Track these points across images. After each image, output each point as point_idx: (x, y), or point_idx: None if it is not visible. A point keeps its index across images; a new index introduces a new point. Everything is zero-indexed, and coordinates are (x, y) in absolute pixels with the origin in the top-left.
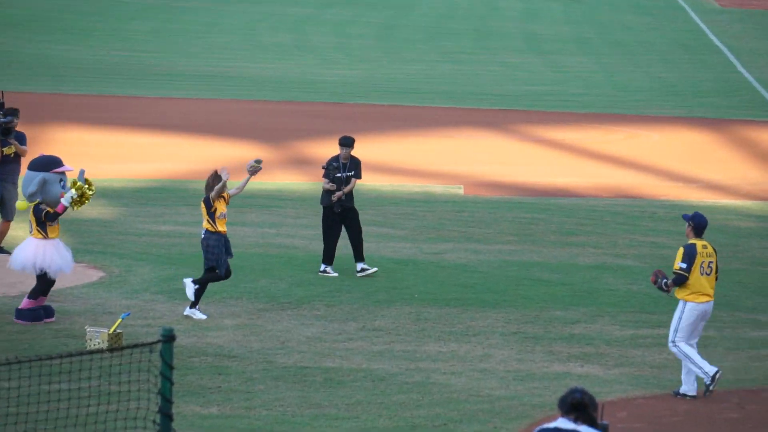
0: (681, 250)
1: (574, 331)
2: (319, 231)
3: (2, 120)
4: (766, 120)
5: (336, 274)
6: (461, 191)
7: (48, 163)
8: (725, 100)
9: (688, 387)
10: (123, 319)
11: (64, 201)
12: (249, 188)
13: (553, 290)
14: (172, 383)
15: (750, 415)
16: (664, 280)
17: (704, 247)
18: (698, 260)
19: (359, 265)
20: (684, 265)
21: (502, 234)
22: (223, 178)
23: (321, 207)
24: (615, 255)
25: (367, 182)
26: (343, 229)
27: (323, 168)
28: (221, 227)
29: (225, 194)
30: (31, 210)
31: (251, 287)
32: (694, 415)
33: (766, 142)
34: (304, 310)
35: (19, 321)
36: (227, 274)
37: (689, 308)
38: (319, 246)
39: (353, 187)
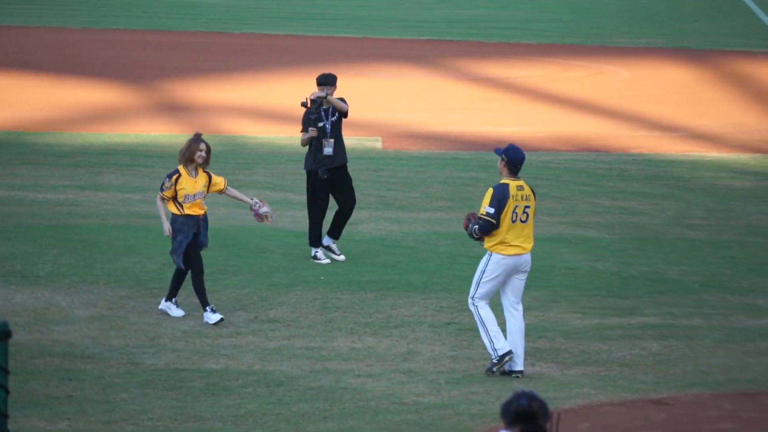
0: (489, 192)
1: (524, 320)
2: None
3: None
4: (765, 50)
5: (333, 259)
6: (379, 145)
7: None
8: (714, 26)
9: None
10: None
11: None
12: (105, 142)
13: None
14: (7, 392)
15: (746, 426)
16: (475, 226)
17: (519, 188)
18: (510, 204)
19: (327, 240)
20: (491, 210)
21: (432, 199)
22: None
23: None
24: (574, 224)
25: (258, 134)
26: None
27: (307, 120)
28: (191, 209)
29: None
30: None
31: (110, 269)
32: (675, 425)
33: (765, 78)
34: (179, 298)
35: None
36: (190, 267)
37: (494, 261)
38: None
39: (345, 110)
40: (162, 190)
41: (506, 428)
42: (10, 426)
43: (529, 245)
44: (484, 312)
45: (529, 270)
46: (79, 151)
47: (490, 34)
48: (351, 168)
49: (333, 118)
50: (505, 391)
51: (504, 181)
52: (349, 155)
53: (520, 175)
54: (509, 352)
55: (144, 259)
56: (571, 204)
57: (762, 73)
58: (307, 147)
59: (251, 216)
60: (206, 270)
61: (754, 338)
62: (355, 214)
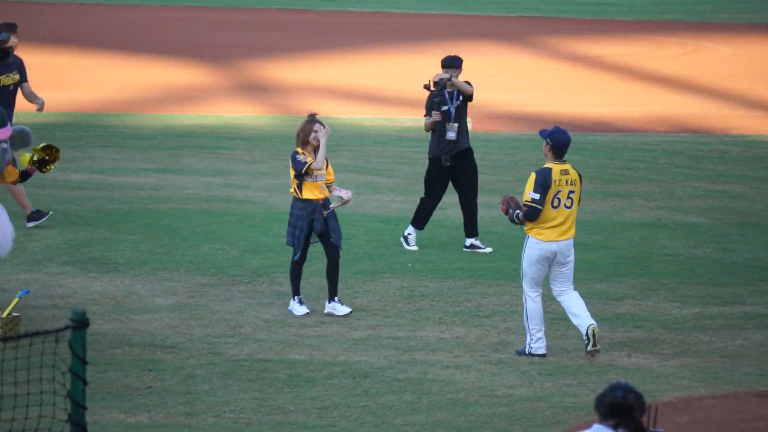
0: (533, 177)
1: (620, 309)
2: (281, 180)
3: None
4: None
5: (415, 248)
6: (469, 126)
7: None
8: None
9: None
10: (20, 298)
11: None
12: (185, 123)
13: (591, 256)
14: (85, 383)
15: None
16: (517, 212)
17: (564, 172)
18: (553, 189)
19: (469, 241)
20: (536, 196)
21: (522, 182)
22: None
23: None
24: (673, 209)
25: (343, 115)
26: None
27: (430, 104)
28: (311, 192)
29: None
30: None
31: (191, 255)
32: None
33: None
34: (261, 286)
35: None
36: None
37: (530, 246)
38: (281, 200)
39: (471, 93)
40: (305, 164)
41: (600, 422)
42: (88, 418)
43: (571, 232)
44: (530, 306)
45: (572, 258)
46: (159, 134)
47: (584, 11)
48: None
49: (458, 102)
50: (601, 383)
51: (548, 165)
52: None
53: (566, 158)
54: (543, 356)
55: (226, 245)
56: (670, 188)
57: None
58: (431, 132)
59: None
60: (289, 257)
61: None
62: (445, 198)
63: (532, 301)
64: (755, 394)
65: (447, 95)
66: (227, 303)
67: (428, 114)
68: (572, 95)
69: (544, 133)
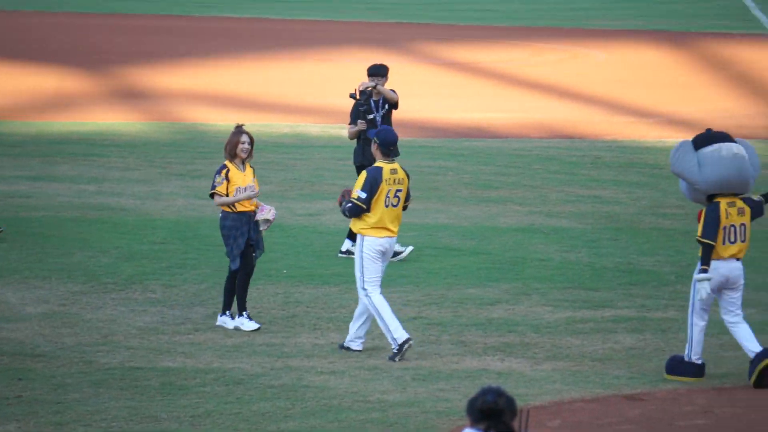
0: (363, 175)
1: (493, 314)
2: (155, 187)
3: None
4: (745, 32)
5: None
6: (345, 132)
7: None
8: (691, 8)
9: (352, 339)
10: None
11: None
12: (59, 130)
13: (465, 261)
14: None
15: (721, 421)
16: (348, 204)
17: (393, 171)
18: (383, 188)
19: (346, 244)
20: (363, 195)
21: None
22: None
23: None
24: (547, 214)
25: (219, 121)
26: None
27: (356, 113)
28: (243, 205)
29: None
30: None
31: (63, 263)
32: (649, 421)
33: (744, 61)
34: (134, 293)
35: None
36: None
37: (367, 245)
38: (154, 207)
39: (396, 101)
40: (214, 187)
41: (472, 426)
42: None
43: (396, 229)
44: (376, 299)
45: (392, 253)
46: (31, 141)
47: (461, 17)
48: (317, 156)
49: (383, 110)
50: (473, 387)
51: (378, 164)
52: (313, 143)
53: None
54: (409, 339)
55: (98, 253)
56: (544, 193)
57: (741, 56)
58: (356, 140)
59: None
60: (162, 264)
61: (729, 331)
62: (319, 205)
63: (376, 297)
64: (625, 397)
65: (373, 103)
66: (99, 311)
67: (353, 122)
68: (449, 101)
69: (371, 133)
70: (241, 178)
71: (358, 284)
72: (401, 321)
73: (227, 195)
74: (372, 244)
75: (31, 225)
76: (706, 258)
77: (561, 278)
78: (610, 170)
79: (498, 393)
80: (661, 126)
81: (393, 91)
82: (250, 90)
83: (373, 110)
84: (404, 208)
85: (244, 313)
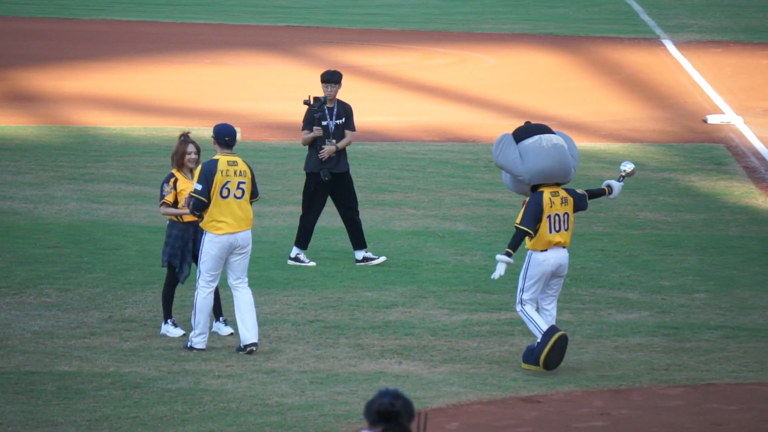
0: (198, 169)
1: (390, 317)
2: (47, 191)
3: None
4: (634, 36)
5: (313, 264)
6: (238, 136)
7: None
8: (580, 12)
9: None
10: None
11: None
12: None
13: (361, 265)
14: None
15: (618, 423)
16: (191, 200)
17: (232, 163)
18: (218, 179)
19: (360, 254)
20: (199, 187)
21: (292, 192)
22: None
23: (300, 172)
24: (441, 217)
25: (110, 125)
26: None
27: (310, 119)
28: (188, 216)
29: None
30: None
31: None
32: (546, 423)
33: (633, 65)
34: (28, 297)
35: None
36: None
37: (207, 241)
38: (47, 210)
39: (348, 144)
40: (162, 197)
41: (369, 429)
42: None
43: (244, 223)
44: (202, 301)
45: (249, 248)
46: None
47: (352, 20)
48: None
49: (339, 121)
50: (372, 390)
51: (216, 157)
52: (207, 146)
53: None
54: (252, 343)
55: None
56: (438, 196)
57: (629, 60)
58: (308, 147)
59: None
60: (57, 268)
61: (624, 333)
62: None
63: (206, 296)
64: (522, 399)
65: (327, 111)
66: None
67: (306, 128)
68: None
69: (214, 130)
70: (190, 187)
71: (196, 281)
72: (299, 324)
73: (174, 205)
74: (212, 240)
75: None
76: (515, 244)
77: (457, 281)
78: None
79: (395, 395)
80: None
81: (350, 125)
82: (142, 93)
83: (326, 117)
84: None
85: (169, 320)
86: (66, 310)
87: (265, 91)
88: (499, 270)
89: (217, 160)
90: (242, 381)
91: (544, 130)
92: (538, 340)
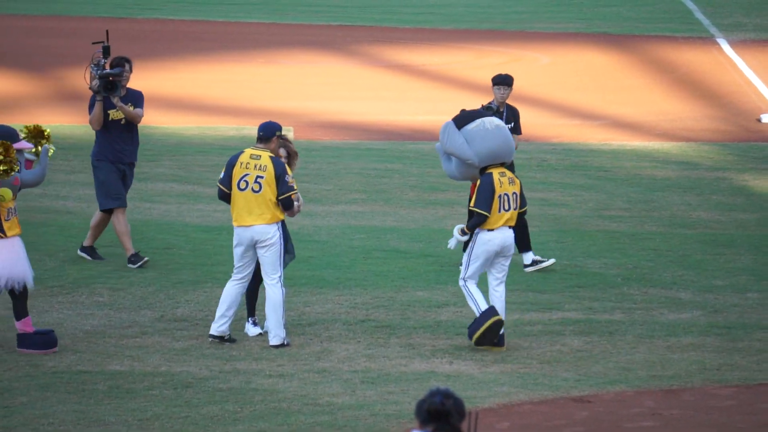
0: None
1: (441, 317)
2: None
3: (107, 72)
4: (688, 35)
5: (552, 260)
6: (291, 135)
7: (5, 136)
8: (634, 11)
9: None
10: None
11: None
12: None
13: (413, 264)
14: None
15: (669, 423)
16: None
17: (254, 157)
18: (237, 171)
19: (528, 256)
20: (221, 176)
21: (346, 191)
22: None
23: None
24: None
25: (163, 124)
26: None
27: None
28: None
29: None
30: None
31: None
32: (597, 423)
33: (688, 64)
34: (80, 296)
35: (27, 350)
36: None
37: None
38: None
39: (515, 148)
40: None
41: (420, 428)
42: None
43: (260, 218)
44: (227, 287)
45: (271, 242)
46: None
47: (405, 20)
48: None
49: (509, 125)
50: (422, 390)
51: (244, 150)
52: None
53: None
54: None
55: (44, 256)
56: None
57: (684, 59)
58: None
59: None
60: (109, 267)
61: (676, 333)
62: None
63: (228, 286)
64: (573, 399)
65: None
66: (46, 314)
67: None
68: (394, 104)
69: None
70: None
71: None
72: (350, 324)
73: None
74: (235, 233)
75: None
76: (473, 225)
77: (508, 280)
78: (556, 173)
79: (446, 395)
80: (606, 129)
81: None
82: (195, 92)
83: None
84: (279, 200)
85: (250, 318)
86: (118, 309)
87: (318, 90)
88: (452, 243)
89: (240, 152)
90: (293, 380)
91: (482, 114)
92: (477, 317)
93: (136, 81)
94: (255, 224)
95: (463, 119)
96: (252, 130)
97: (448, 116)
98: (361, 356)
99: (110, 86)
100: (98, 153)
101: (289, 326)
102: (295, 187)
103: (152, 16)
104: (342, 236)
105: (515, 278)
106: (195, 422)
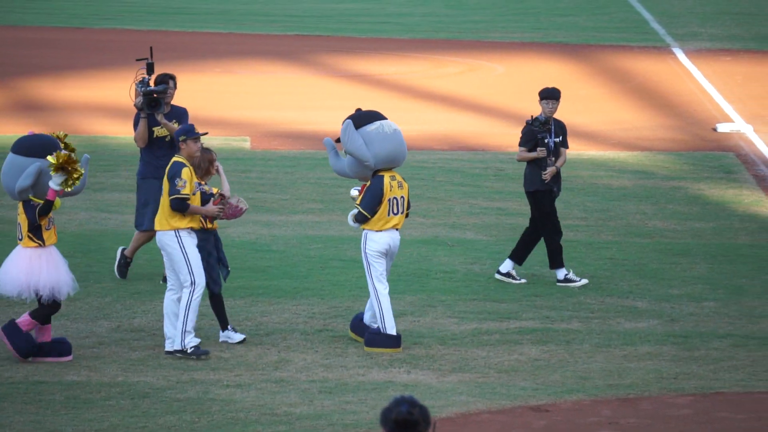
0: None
1: (399, 326)
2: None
3: (151, 89)
4: (644, 45)
5: (523, 281)
6: (247, 145)
7: (45, 147)
8: (590, 21)
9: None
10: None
11: (53, 184)
12: None
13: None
14: None
15: (626, 431)
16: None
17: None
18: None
19: (561, 273)
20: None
21: (303, 201)
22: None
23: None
24: (451, 226)
25: (119, 134)
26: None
27: (528, 131)
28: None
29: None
30: (21, 209)
31: None
32: None
33: (643, 73)
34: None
35: (6, 341)
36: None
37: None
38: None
39: (564, 162)
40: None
41: None
42: None
43: (157, 224)
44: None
45: (165, 249)
46: None
47: (361, 29)
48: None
49: (557, 139)
50: (381, 400)
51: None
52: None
53: None
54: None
55: None
56: (448, 205)
57: (639, 68)
58: (525, 164)
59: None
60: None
61: (633, 342)
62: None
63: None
64: (530, 408)
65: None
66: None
67: (525, 145)
68: (350, 113)
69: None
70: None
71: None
72: (308, 333)
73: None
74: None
75: None
76: (359, 222)
77: (466, 290)
78: (514, 182)
79: (412, 403)
80: None
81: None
82: None
83: (548, 136)
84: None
85: (228, 327)
86: (74, 319)
87: (275, 99)
88: (350, 219)
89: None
90: (251, 390)
91: (380, 116)
92: (382, 333)
93: (94, 91)
94: (157, 230)
95: (361, 119)
96: (208, 139)
97: (405, 125)
98: (318, 366)
99: (154, 103)
100: (143, 171)
101: (247, 336)
102: (184, 192)
103: (109, 26)
104: (299, 246)
105: (473, 287)
106: None
